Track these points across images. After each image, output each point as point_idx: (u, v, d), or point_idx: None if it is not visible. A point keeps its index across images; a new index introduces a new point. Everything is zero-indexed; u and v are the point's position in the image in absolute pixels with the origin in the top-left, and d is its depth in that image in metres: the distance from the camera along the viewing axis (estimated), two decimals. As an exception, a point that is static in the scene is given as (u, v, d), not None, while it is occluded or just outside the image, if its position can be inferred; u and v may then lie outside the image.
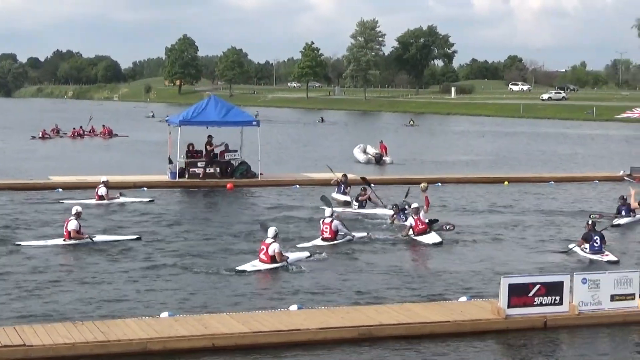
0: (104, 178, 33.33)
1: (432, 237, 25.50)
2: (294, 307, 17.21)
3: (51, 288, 19.27)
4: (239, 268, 21.24)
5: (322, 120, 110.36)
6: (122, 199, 32.70)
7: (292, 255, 22.37)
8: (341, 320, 16.33)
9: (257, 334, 15.50)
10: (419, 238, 25.53)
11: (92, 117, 79.71)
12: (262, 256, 21.57)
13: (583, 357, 15.73)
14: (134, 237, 25.19)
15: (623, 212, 30.30)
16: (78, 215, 24.65)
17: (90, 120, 77.90)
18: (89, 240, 24.21)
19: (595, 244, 23.63)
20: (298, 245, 24.17)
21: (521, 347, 16.10)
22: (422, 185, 29.51)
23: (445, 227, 26.41)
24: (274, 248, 21.49)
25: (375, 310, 17.07)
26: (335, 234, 24.99)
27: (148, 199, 33.34)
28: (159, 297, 18.72)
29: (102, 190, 32.34)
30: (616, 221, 29.50)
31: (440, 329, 16.38)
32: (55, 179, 38.38)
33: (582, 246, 23.97)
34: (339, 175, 35.48)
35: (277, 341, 15.51)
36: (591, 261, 23.28)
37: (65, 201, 32.08)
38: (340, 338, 15.80)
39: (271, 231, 21.87)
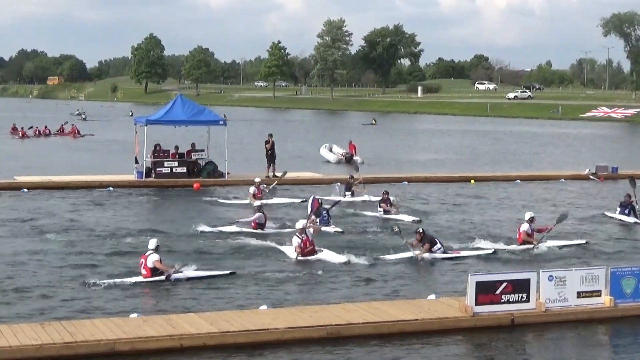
0: (257, 179, 33.98)
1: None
2: (262, 307, 17.17)
3: (17, 288, 19.07)
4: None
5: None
6: (273, 200, 33.32)
7: None
8: (309, 319, 16.31)
9: (225, 333, 15.44)
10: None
11: (67, 122, 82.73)
12: (142, 270, 20.04)
13: (550, 354, 15.84)
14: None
15: (626, 211, 30.52)
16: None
17: (65, 124, 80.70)
18: None
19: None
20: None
21: (489, 345, 16.17)
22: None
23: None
24: (153, 259, 19.89)
25: (343, 309, 17.06)
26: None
27: (300, 200, 33.32)
28: (127, 297, 18.59)
29: (252, 190, 33.00)
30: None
31: (409, 327, 16.39)
32: (20, 179, 37.97)
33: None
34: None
35: (245, 341, 15.45)
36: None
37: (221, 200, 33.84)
38: (309, 337, 15.78)
39: (152, 242, 20.36)
